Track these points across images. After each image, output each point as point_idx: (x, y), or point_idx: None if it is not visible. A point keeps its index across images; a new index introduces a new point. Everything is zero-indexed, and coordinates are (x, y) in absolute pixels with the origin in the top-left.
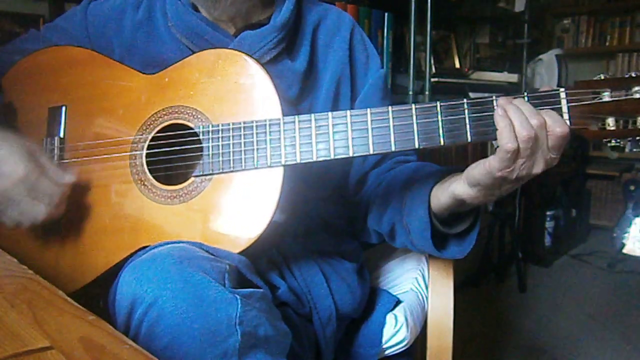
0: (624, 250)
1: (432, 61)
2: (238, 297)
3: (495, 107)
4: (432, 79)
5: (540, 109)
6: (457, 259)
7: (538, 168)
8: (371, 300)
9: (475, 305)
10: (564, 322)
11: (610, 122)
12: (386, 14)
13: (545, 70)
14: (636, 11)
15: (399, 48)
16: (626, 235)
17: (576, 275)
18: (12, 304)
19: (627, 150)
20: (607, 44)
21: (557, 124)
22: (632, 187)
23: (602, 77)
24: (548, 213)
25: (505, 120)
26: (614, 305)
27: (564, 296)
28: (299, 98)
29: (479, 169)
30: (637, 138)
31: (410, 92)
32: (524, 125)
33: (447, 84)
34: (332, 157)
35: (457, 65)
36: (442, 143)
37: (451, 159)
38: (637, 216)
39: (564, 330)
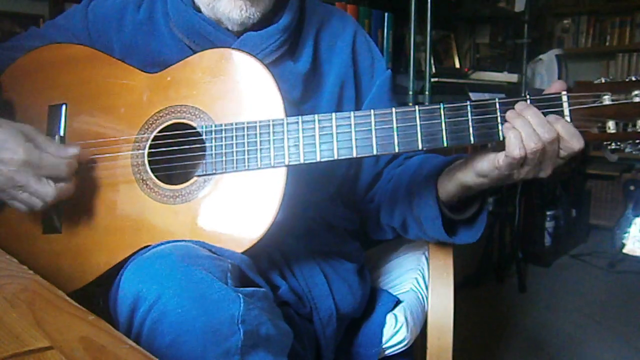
0: (624, 250)
1: (432, 61)
2: (240, 296)
3: (503, 119)
4: (432, 79)
5: (548, 111)
6: (469, 243)
7: (545, 172)
8: (371, 300)
9: (475, 305)
10: (564, 322)
11: (611, 125)
12: (386, 14)
13: (545, 70)
14: (636, 11)
15: (399, 48)
16: (626, 235)
17: (576, 275)
18: (12, 304)
19: (627, 150)
20: (607, 44)
21: (574, 140)
22: (632, 187)
23: (603, 81)
24: (548, 213)
25: (513, 131)
26: (614, 305)
27: (564, 296)
28: (301, 99)
29: (487, 164)
30: (637, 141)
31: (410, 92)
32: (531, 137)
33: (447, 84)
34: (336, 157)
35: (457, 65)
36: (445, 145)
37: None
38: (637, 216)
39: (564, 330)
